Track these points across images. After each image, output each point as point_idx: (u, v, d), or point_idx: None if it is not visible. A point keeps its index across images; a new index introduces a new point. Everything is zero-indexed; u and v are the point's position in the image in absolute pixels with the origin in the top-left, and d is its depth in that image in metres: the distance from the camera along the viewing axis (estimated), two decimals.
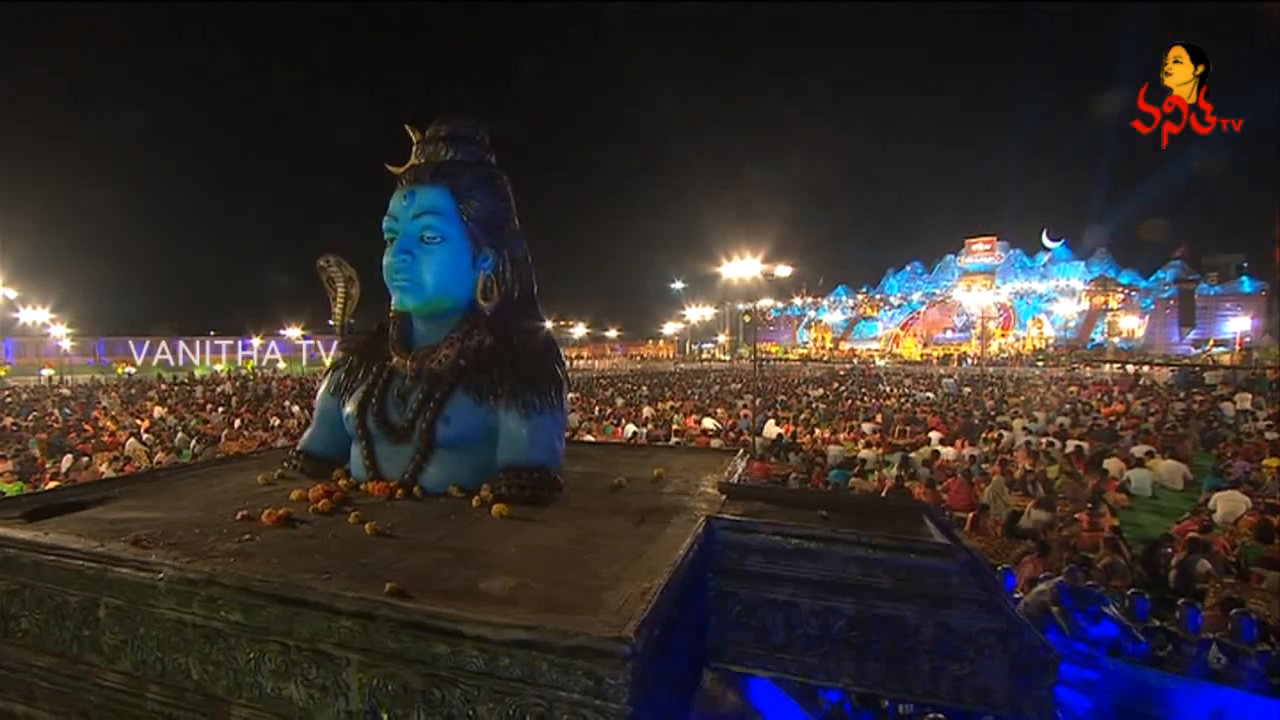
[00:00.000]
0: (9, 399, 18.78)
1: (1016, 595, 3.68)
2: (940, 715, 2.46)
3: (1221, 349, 37.65)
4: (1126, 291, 47.45)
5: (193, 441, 10.55)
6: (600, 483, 2.03)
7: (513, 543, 1.41)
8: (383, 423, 1.88)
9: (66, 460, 8.87)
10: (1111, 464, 10.01)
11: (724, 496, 1.89)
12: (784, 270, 27.15)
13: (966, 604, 1.44)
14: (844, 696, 2.60)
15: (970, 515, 7.73)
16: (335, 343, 2.16)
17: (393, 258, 1.87)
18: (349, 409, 1.95)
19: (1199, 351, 38.53)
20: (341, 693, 1.08)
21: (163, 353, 38.67)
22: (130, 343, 39.24)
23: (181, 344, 40.76)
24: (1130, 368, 29.02)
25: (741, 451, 2.69)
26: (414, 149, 1.99)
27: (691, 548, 1.37)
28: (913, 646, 1.48)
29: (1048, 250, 53.24)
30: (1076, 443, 11.08)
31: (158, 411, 15.33)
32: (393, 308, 1.96)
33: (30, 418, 14.26)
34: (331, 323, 2.08)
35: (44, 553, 1.34)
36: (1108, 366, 31.68)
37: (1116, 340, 44.73)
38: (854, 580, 1.48)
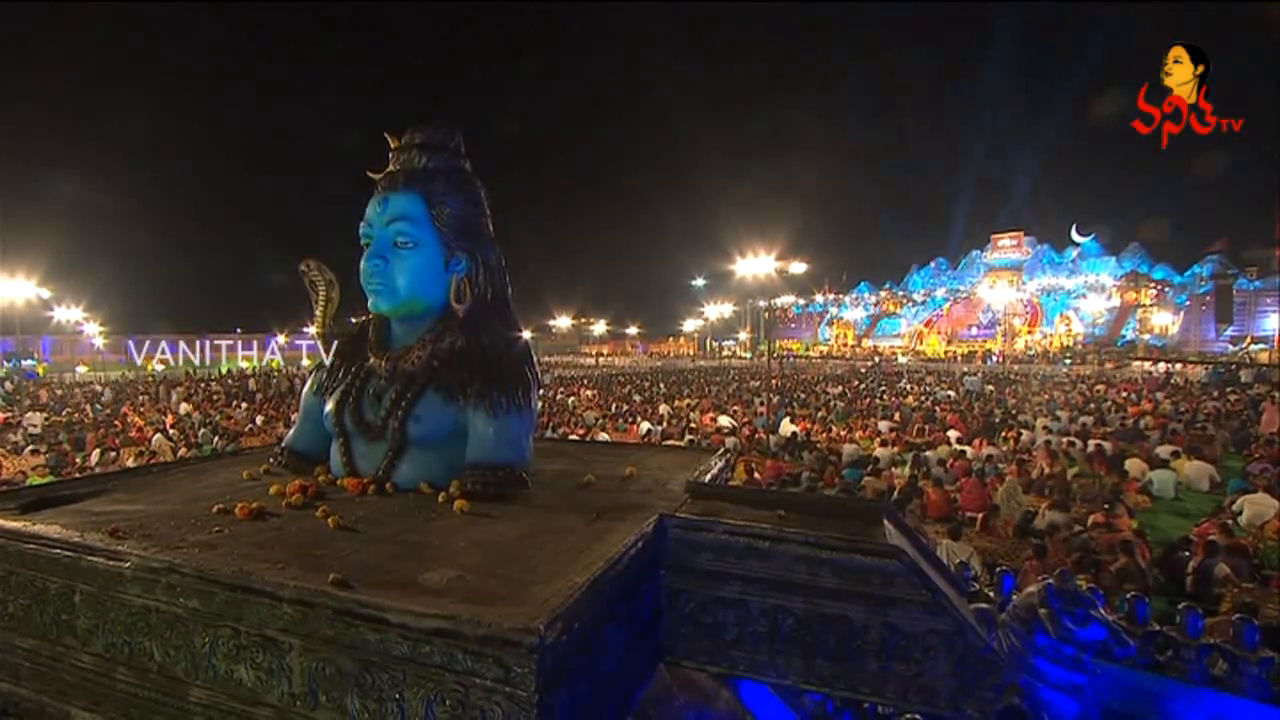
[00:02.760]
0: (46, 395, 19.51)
1: (1013, 598, 3.64)
2: (917, 717, 2.47)
3: (1260, 346, 36.37)
4: (1160, 287, 46.13)
5: (215, 438, 10.86)
6: (571, 480, 2.08)
7: (464, 537, 1.46)
8: (358, 421, 1.95)
9: (95, 455, 9.21)
10: (1133, 464, 9.80)
11: (688, 495, 1.93)
12: (799, 267, 26.95)
13: (911, 605, 1.46)
14: (825, 696, 2.62)
15: (981, 515, 7.64)
16: (321, 344, 2.23)
17: (367, 263, 1.94)
18: (328, 407, 2.03)
19: (1236, 349, 37.29)
20: (285, 675, 1.15)
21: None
22: (164, 342, 40.38)
23: (209, 342, 41.90)
24: (1162, 365, 28.24)
25: (722, 450, 2.71)
26: (390, 156, 2.06)
27: (635, 545, 1.40)
28: (860, 646, 1.50)
29: (1077, 245, 52.00)
30: (1097, 442, 10.86)
31: (183, 408, 15.80)
32: (369, 310, 2.04)
33: (63, 413, 14.82)
34: (313, 325, 2.15)
35: (27, 542, 1.42)
36: (1137, 364, 30.85)
37: (1148, 337, 43.52)
38: (801, 579, 1.50)
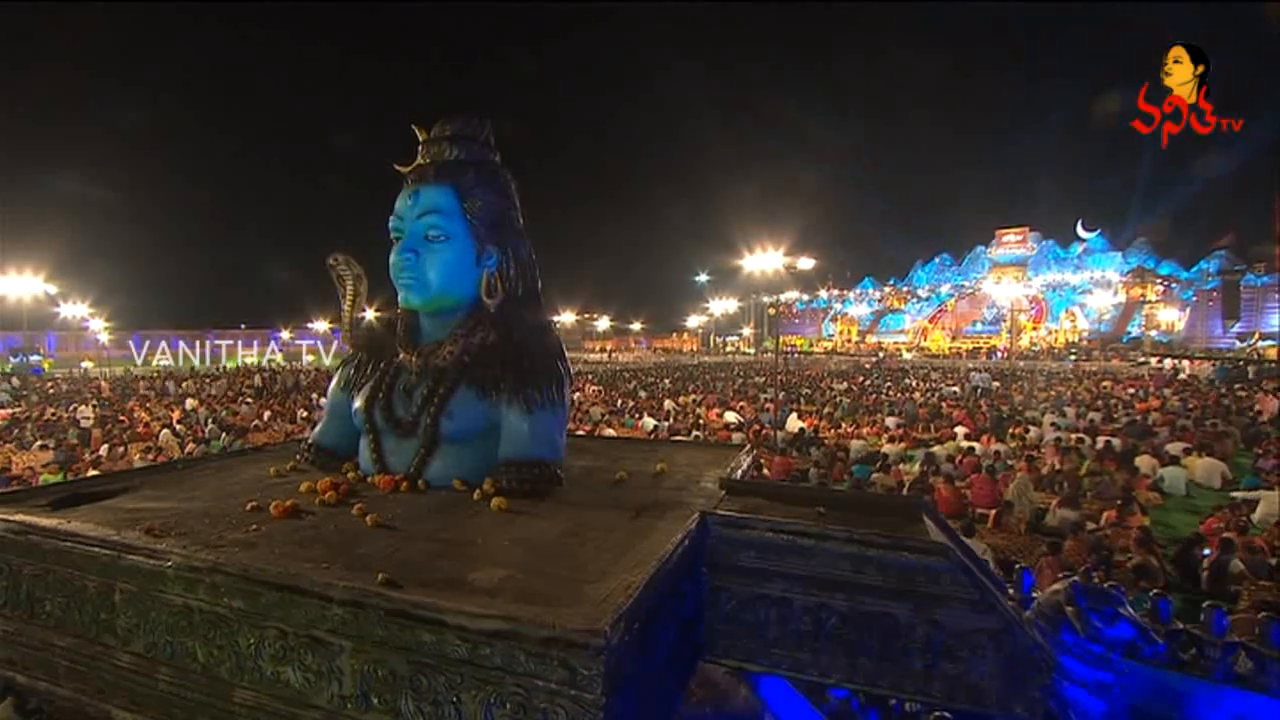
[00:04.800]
0: (51, 390, 19.57)
1: (1034, 595, 3.64)
2: (946, 714, 2.45)
3: (1268, 342, 36.15)
4: (1166, 283, 45.91)
5: (222, 434, 10.87)
6: (602, 477, 2.06)
7: (506, 535, 1.44)
8: (389, 417, 1.93)
9: (103, 450, 9.22)
10: (1143, 461, 9.73)
11: (724, 492, 1.90)
12: (806, 263, 26.87)
13: (958, 603, 1.44)
14: (851, 693, 2.60)
15: (994, 512, 7.60)
16: (343, 339, 2.21)
17: (398, 256, 1.91)
18: (357, 404, 2.00)
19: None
20: (335, 677, 1.12)
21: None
22: (164, 340, 40.30)
23: (212, 338, 41.84)
24: (1168, 362, 28.11)
25: (748, 447, 2.69)
26: (419, 149, 2.03)
27: (682, 543, 1.38)
28: (905, 644, 1.47)
29: (1083, 241, 51.78)
30: (1107, 439, 10.80)
31: (190, 403, 15.82)
32: (399, 305, 2.01)
33: (70, 409, 14.85)
34: (341, 320, 2.13)
35: (64, 540, 1.41)
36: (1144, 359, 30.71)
37: (1154, 334, 43.30)
38: (845, 577, 1.48)
